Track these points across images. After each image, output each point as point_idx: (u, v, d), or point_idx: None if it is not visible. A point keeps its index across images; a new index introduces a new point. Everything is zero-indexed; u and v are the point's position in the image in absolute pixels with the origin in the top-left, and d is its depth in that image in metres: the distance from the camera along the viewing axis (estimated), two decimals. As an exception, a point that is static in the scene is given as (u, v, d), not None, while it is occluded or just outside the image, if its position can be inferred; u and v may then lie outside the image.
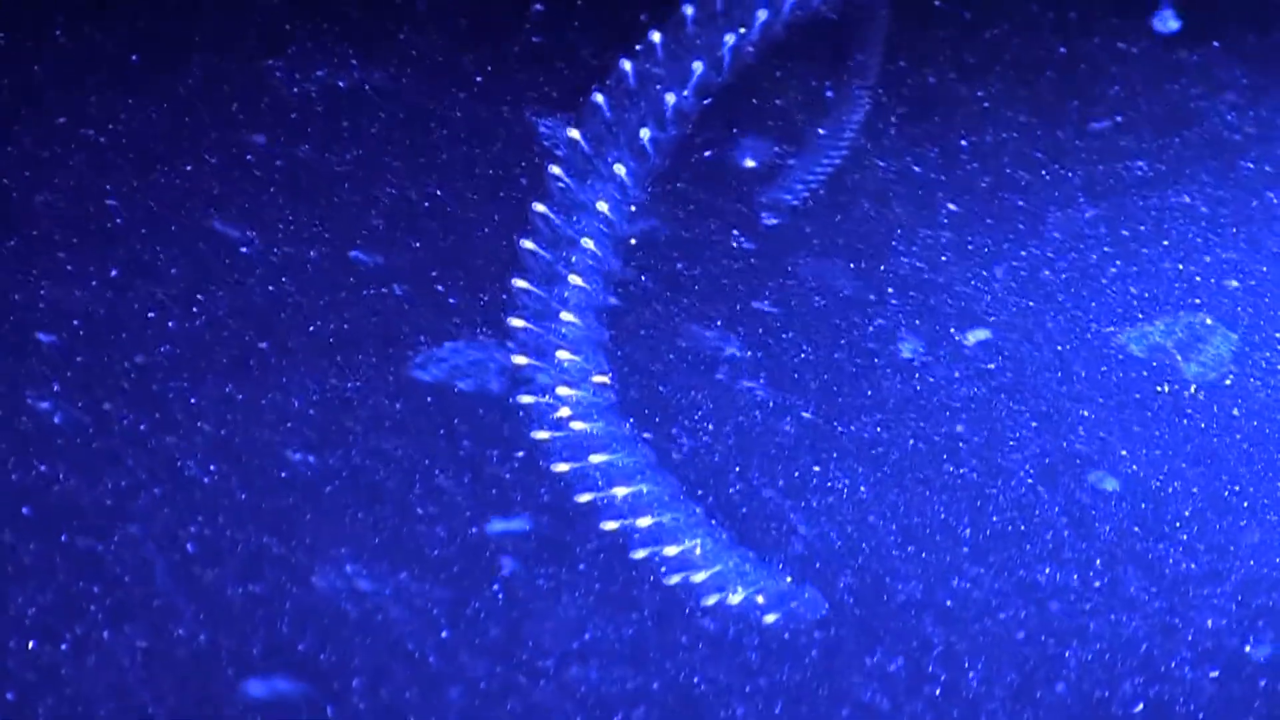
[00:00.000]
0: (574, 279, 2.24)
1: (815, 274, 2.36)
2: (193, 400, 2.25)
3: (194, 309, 2.26)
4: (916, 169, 2.38)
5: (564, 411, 2.23)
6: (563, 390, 2.22)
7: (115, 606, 2.20)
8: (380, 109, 2.32)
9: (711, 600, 2.24)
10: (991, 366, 2.37)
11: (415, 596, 2.23)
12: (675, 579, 2.25)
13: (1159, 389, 2.37)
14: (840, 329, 2.36)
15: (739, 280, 2.35)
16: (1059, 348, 2.37)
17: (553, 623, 2.24)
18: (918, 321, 2.36)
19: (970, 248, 2.38)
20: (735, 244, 2.35)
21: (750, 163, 2.37)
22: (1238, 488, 2.35)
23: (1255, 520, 2.35)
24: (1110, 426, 2.36)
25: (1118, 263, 2.39)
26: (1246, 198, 2.41)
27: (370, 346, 2.28)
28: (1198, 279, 2.39)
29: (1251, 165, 2.41)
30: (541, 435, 2.24)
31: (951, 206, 2.38)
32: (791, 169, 2.37)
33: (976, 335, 2.38)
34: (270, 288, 2.28)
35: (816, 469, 2.33)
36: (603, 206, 2.25)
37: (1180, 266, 2.39)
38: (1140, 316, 2.38)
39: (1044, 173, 2.40)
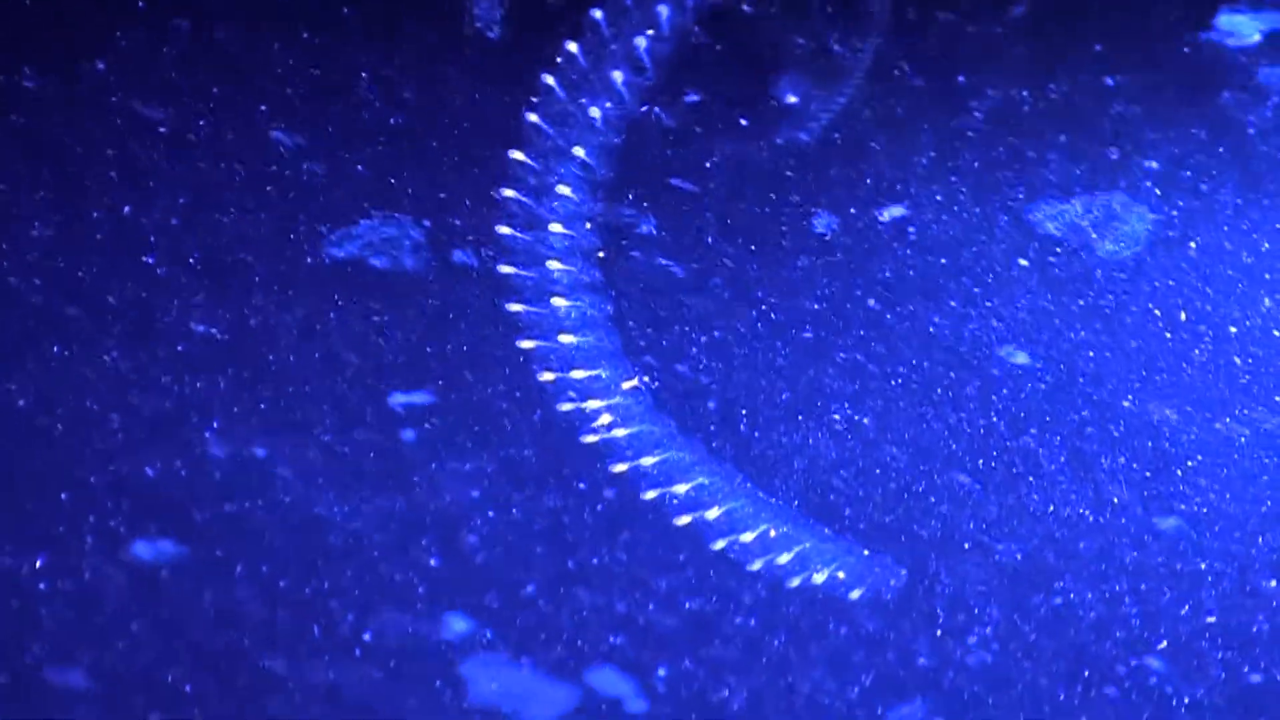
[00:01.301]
0: (562, 189, 2.28)
1: (732, 151, 2.41)
2: (100, 273, 2.35)
3: (108, 188, 2.35)
4: (837, 49, 2.41)
5: (605, 419, 2.29)
6: (593, 403, 2.27)
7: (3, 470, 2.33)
8: (304, -9, 2.37)
9: (796, 582, 2.32)
10: (906, 243, 2.41)
11: (311, 463, 2.34)
12: (758, 564, 2.33)
13: (1072, 266, 2.41)
14: (753, 204, 2.40)
15: (656, 157, 2.40)
16: (974, 224, 2.40)
17: (452, 495, 2.35)
18: (831, 198, 2.40)
19: (887, 124, 2.41)
20: (654, 120, 2.40)
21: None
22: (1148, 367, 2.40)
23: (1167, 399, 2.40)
24: (1023, 302, 2.40)
25: (1038, 141, 2.41)
26: (1169, 80, 2.41)
27: (284, 224, 2.36)
28: (1118, 158, 2.41)
29: (1183, 52, 2.41)
30: (590, 439, 2.30)
31: (867, 84, 2.41)
32: (808, 108, 2.40)
33: (892, 212, 2.41)
34: (187, 166, 2.36)
35: (728, 340, 2.40)
36: (594, 113, 2.29)
37: (1100, 146, 2.41)
38: (1058, 195, 2.41)
39: (967, 51, 2.41)
